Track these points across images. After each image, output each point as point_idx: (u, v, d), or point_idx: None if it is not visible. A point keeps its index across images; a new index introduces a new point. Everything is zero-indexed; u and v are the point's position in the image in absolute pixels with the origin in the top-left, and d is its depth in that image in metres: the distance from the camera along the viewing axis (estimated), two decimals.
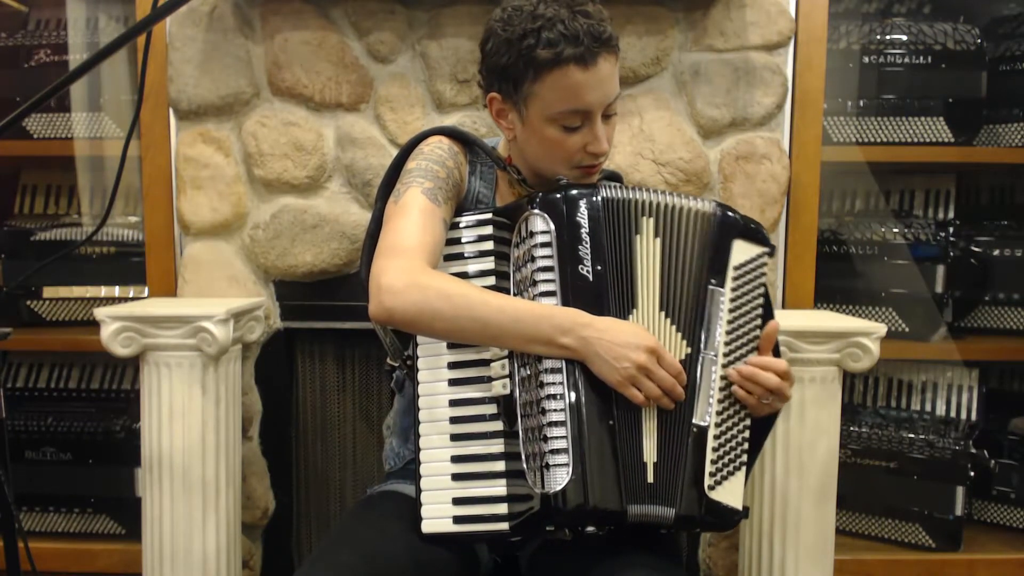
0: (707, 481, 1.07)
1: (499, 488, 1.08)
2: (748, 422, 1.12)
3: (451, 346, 1.12)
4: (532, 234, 1.09)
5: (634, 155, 1.77)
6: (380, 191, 1.24)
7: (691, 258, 1.12)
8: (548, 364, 1.05)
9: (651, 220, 1.12)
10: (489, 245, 1.13)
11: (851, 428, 1.96)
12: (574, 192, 1.11)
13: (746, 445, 1.11)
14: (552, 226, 1.09)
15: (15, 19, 2.10)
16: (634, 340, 1.04)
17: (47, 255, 1.98)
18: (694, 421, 1.08)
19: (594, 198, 1.11)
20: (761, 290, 1.15)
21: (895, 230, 1.97)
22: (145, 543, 1.61)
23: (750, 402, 1.10)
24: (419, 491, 1.10)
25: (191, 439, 1.57)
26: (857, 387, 2.09)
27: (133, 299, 1.99)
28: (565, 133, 1.15)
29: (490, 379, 1.10)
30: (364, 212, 1.77)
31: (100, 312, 1.55)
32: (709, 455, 1.08)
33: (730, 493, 1.08)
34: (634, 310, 1.09)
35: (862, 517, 1.97)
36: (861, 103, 1.95)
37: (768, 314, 1.16)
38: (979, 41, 1.92)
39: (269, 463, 1.87)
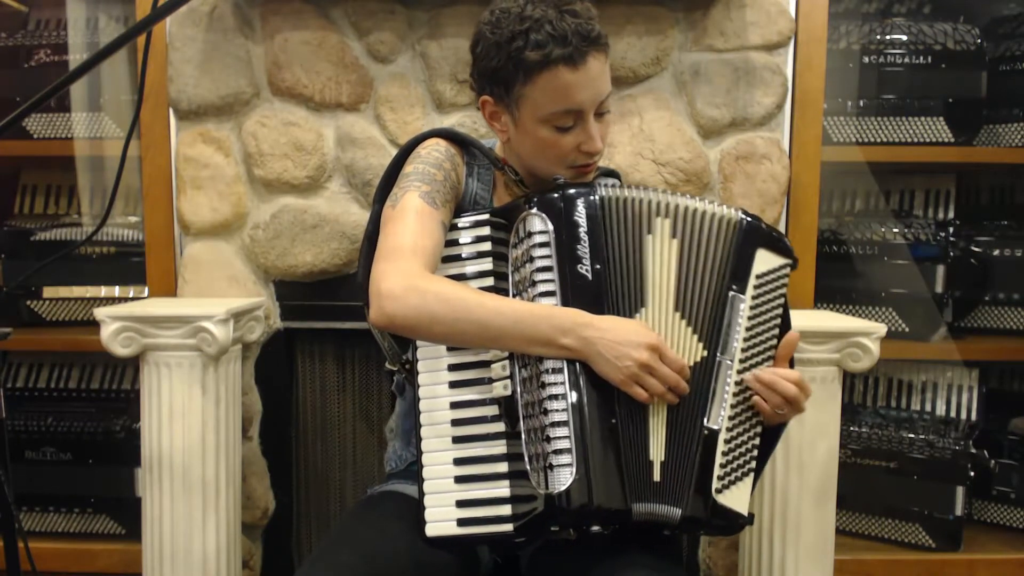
0: (715, 484, 1.06)
1: (502, 489, 1.08)
2: (759, 429, 1.11)
3: (451, 348, 1.12)
4: (530, 234, 1.09)
5: (634, 155, 1.77)
6: (377, 194, 1.24)
7: (713, 262, 1.11)
8: (549, 364, 1.05)
9: (667, 221, 1.11)
10: (487, 246, 1.13)
11: (851, 428, 1.96)
12: (571, 191, 1.10)
13: (755, 452, 1.11)
14: (550, 226, 1.08)
15: (15, 19, 2.10)
16: (635, 338, 1.04)
17: (47, 255, 1.98)
18: (706, 424, 1.07)
19: (592, 197, 1.10)
20: (781, 301, 1.15)
21: (895, 230, 1.97)
22: (145, 543, 1.61)
23: (765, 410, 1.09)
24: (422, 494, 1.10)
25: (191, 439, 1.57)
26: (857, 387, 2.09)
27: (133, 299, 1.99)
28: (558, 133, 1.15)
29: (491, 380, 1.10)
30: (364, 212, 1.77)
31: (100, 312, 1.55)
32: (719, 459, 1.07)
33: (737, 498, 1.08)
34: (643, 308, 1.09)
35: (862, 517, 1.97)
36: (861, 103, 1.95)
37: (786, 325, 1.16)
38: (979, 41, 1.92)
39: (269, 463, 1.87)
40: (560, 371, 1.04)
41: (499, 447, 1.09)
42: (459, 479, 1.09)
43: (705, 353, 1.10)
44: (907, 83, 1.93)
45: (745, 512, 1.09)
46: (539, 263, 1.08)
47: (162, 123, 1.84)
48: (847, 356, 1.55)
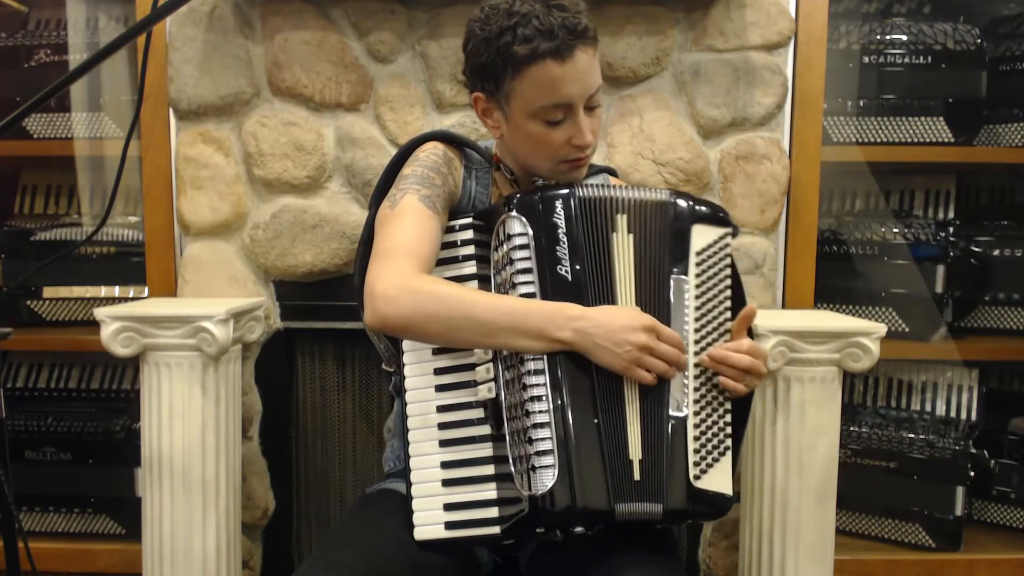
0: (692, 471, 1.07)
1: (489, 492, 1.08)
2: (728, 406, 1.12)
3: (437, 351, 1.12)
4: (509, 236, 1.09)
5: (634, 155, 1.77)
6: (373, 198, 1.24)
7: (658, 250, 1.12)
8: (531, 366, 1.05)
9: (624, 217, 1.12)
10: (471, 249, 1.14)
11: (851, 428, 1.96)
12: (550, 193, 1.11)
13: (728, 430, 1.11)
14: (529, 228, 1.09)
15: (15, 19, 2.10)
16: (630, 322, 1.04)
17: (47, 255, 1.98)
18: (671, 413, 1.08)
19: (571, 198, 1.11)
20: (727, 272, 1.15)
21: (895, 230, 1.97)
22: (145, 543, 1.61)
23: (728, 386, 1.10)
24: (410, 498, 1.10)
25: (191, 439, 1.57)
26: (857, 387, 2.09)
27: (133, 299, 1.99)
28: (548, 127, 1.15)
29: (476, 383, 1.10)
30: (364, 212, 1.77)
31: (100, 312, 1.55)
32: (691, 444, 1.08)
33: (717, 480, 1.08)
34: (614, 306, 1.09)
35: (862, 517, 1.97)
36: (861, 103, 1.95)
37: (738, 295, 1.16)
38: (979, 41, 1.92)
39: (269, 463, 1.87)
40: (541, 372, 1.04)
41: (485, 450, 1.09)
42: (446, 482, 1.10)
43: None
44: (907, 83, 1.93)
45: (729, 491, 1.09)
46: (519, 265, 1.08)
47: (162, 123, 1.84)
48: (847, 356, 1.55)
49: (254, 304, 1.74)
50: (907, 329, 1.96)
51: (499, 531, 1.07)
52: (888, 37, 1.94)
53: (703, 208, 1.15)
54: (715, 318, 1.13)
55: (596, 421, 1.04)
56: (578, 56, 1.11)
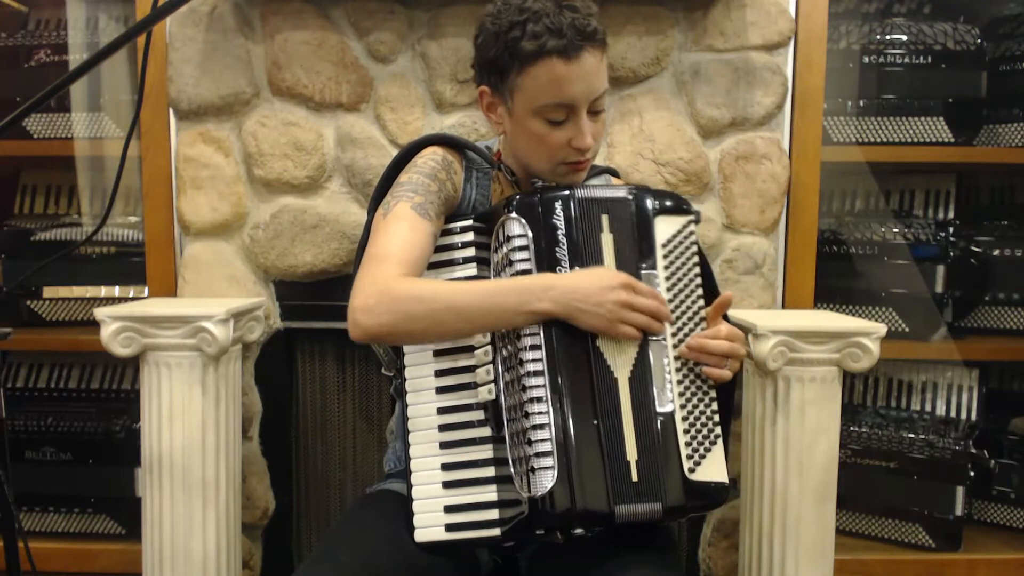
0: (686, 465, 1.07)
1: (490, 494, 1.09)
2: (713, 394, 1.12)
3: (437, 354, 1.13)
4: (509, 238, 1.09)
5: (634, 155, 1.77)
6: (371, 204, 1.25)
7: (629, 247, 1.13)
8: (530, 367, 1.05)
9: (606, 216, 1.13)
10: (471, 252, 1.14)
11: (851, 428, 1.96)
12: (550, 195, 1.11)
13: (716, 418, 1.11)
14: (528, 230, 1.09)
15: (15, 19, 2.10)
16: (607, 282, 1.05)
17: (47, 255, 1.98)
18: (658, 409, 1.08)
19: (570, 200, 1.11)
20: (695, 259, 1.15)
21: (895, 230, 1.97)
22: (145, 543, 1.61)
23: (711, 374, 1.10)
24: (411, 500, 1.11)
25: (191, 439, 1.57)
26: (857, 387, 2.09)
27: (133, 299, 1.99)
28: (550, 127, 1.15)
29: (476, 385, 1.10)
30: (364, 212, 1.77)
31: (100, 312, 1.55)
32: (682, 438, 1.08)
33: (712, 470, 1.08)
34: None
35: (862, 517, 1.97)
36: (861, 103, 1.95)
37: (708, 280, 1.16)
38: (979, 41, 1.92)
39: (269, 463, 1.87)
40: (540, 374, 1.04)
41: (485, 452, 1.09)
42: (447, 484, 1.10)
43: (640, 340, 1.09)
44: (907, 83, 1.93)
45: (724, 479, 1.09)
46: (519, 266, 1.08)
47: (162, 123, 1.84)
48: (847, 356, 1.55)
49: (254, 304, 1.74)
50: (907, 329, 1.96)
51: (499, 533, 1.07)
52: (888, 37, 1.94)
53: (662, 201, 1.16)
54: (689, 307, 1.13)
55: (596, 423, 1.04)
56: (585, 57, 1.11)
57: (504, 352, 1.08)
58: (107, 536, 1.95)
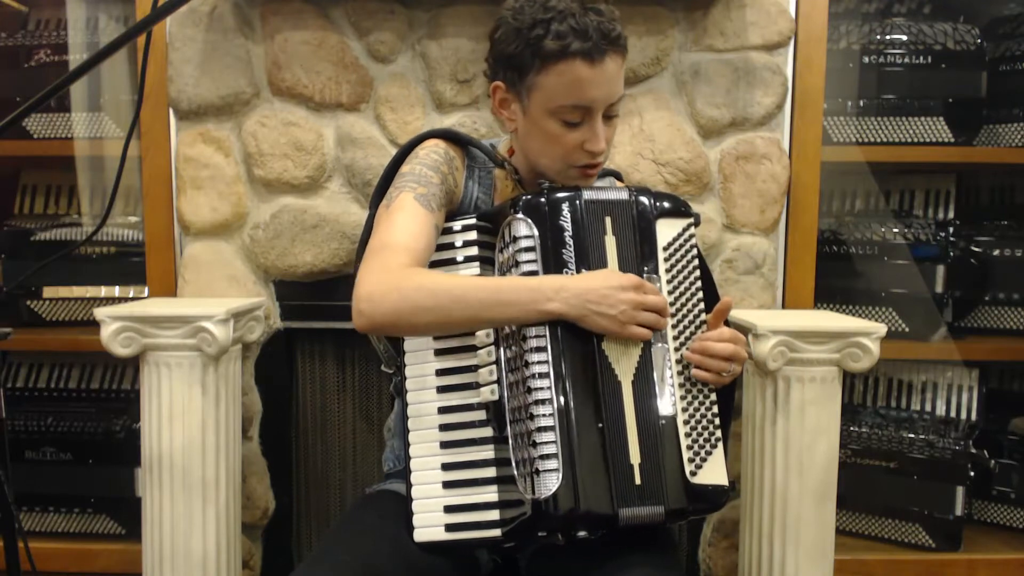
0: (687, 468, 1.07)
1: (490, 494, 1.08)
2: (713, 397, 1.12)
3: (438, 353, 1.12)
4: (515, 239, 1.09)
5: (634, 155, 1.77)
6: (373, 197, 1.25)
7: (631, 250, 1.12)
8: (536, 369, 1.04)
9: (610, 219, 1.12)
10: (475, 251, 1.14)
11: (851, 428, 1.96)
12: (557, 196, 1.10)
13: (717, 421, 1.11)
14: (535, 231, 1.09)
15: (15, 19, 2.10)
16: (615, 282, 1.05)
17: (47, 255, 1.98)
18: (661, 413, 1.07)
19: (576, 201, 1.10)
20: (695, 262, 1.15)
21: (895, 230, 1.97)
22: (145, 543, 1.61)
23: (710, 378, 1.10)
24: (410, 499, 1.10)
25: (191, 439, 1.57)
26: (857, 387, 2.09)
27: (133, 299, 1.99)
28: (565, 128, 1.15)
29: (478, 385, 1.10)
30: (364, 212, 1.77)
31: (100, 312, 1.55)
32: (684, 441, 1.08)
33: (712, 473, 1.08)
34: None
35: (862, 517, 1.97)
36: (861, 103, 1.95)
37: (708, 283, 1.16)
38: (979, 41, 1.92)
39: (269, 463, 1.87)
40: (546, 376, 1.04)
41: (487, 452, 1.09)
42: (447, 484, 1.10)
43: (643, 344, 1.09)
44: (907, 83, 1.93)
45: (725, 482, 1.09)
46: (525, 267, 1.08)
47: (162, 123, 1.84)
48: (847, 356, 1.55)
49: (254, 304, 1.74)
50: (907, 329, 1.96)
51: (500, 534, 1.07)
52: (888, 37, 1.94)
53: (663, 203, 1.15)
54: (690, 311, 1.13)
55: (600, 426, 1.04)
56: (608, 62, 1.11)
57: (508, 353, 1.08)
58: (107, 536, 1.95)
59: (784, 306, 1.86)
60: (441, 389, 1.12)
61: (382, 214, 1.14)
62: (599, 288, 1.04)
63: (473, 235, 1.14)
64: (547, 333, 1.05)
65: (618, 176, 1.42)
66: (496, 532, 1.08)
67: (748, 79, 1.77)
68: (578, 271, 1.08)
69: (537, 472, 1.02)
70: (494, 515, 1.08)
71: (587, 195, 1.11)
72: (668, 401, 1.08)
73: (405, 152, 1.24)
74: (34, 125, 2.01)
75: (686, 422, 1.09)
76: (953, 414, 2.01)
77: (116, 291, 2.02)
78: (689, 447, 1.08)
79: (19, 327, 1.87)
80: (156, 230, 1.86)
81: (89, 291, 2.02)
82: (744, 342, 1.14)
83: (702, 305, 1.14)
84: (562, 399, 1.03)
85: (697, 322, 1.13)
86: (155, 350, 1.57)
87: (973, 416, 2.00)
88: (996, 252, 2.00)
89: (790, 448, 1.56)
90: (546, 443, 1.02)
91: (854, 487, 1.91)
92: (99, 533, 1.95)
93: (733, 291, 1.79)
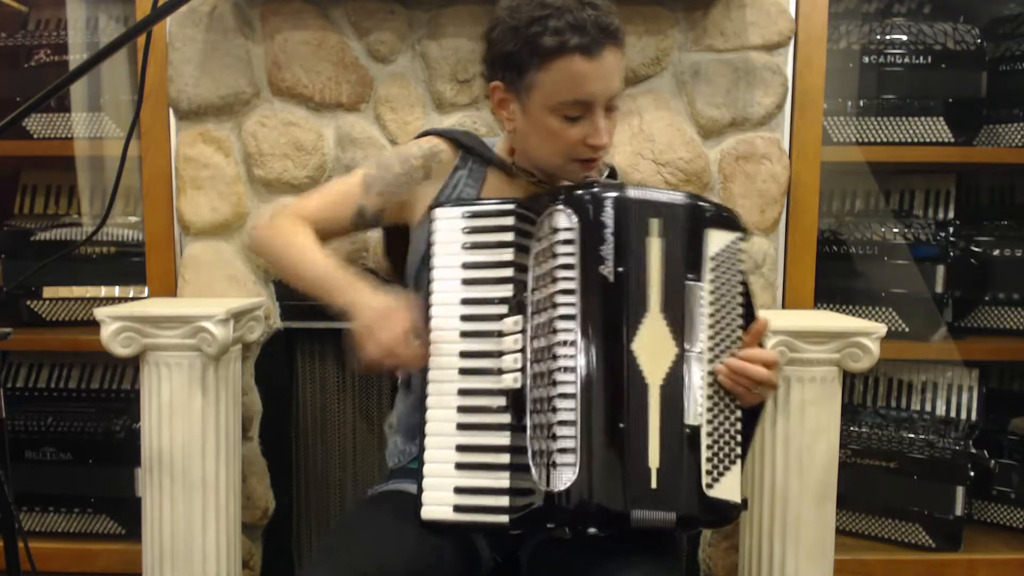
0: (704, 480, 1.06)
1: (502, 480, 1.08)
2: (739, 414, 1.11)
3: (464, 335, 1.12)
4: (555, 230, 1.08)
5: (634, 155, 1.77)
6: None
7: (679, 255, 1.10)
8: (563, 363, 1.04)
9: (657, 220, 1.09)
10: (509, 236, 1.13)
11: (851, 428, 1.96)
12: (600, 191, 1.09)
13: (739, 438, 1.10)
14: (576, 224, 1.07)
15: (15, 19, 2.10)
16: (372, 302, 1.11)
17: (47, 255, 1.98)
18: (686, 422, 1.07)
19: (622, 199, 1.08)
20: (740, 277, 1.13)
21: (895, 230, 1.97)
22: (145, 543, 1.61)
23: (740, 394, 1.09)
24: (421, 476, 1.10)
25: (191, 439, 1.57)
26: (857, 387, 2.09)
27: (133, 299, 1.99)
28: (566, 124, 1.15)
29: (501, 371, 1.10)
30: None
31: (100, 312, 1.55)
32: (704, 453, 1.07)
33: (727, 488, 1.08)
34: (647, 314, 1.07)
35: (862, 517, 1.97)
36: (861, 103, 1.95)
37: (749, 300, 1.14)
38: (979, 41, 1.92)
39: (269, 463, 1.87)
40: (572, 370, 1.04)
41: (503, 438, 1.09)
42: (460, 466, 1.10)
43: (677, 350, 1.08)
44: (907, 83, 1.93)
45: (738, 499, 1.08)
46: (562, 260, 1.07)
47: (162, 123, 1.84)
48: (847, 356, 1.55)
49: (254, 304, 1.74)
50: (907, 329, 1.96)
51: (507, 520, 1.07)
52: (888, 37, 1.94)
53: (717, 211, 1.13)
54: (728, 324, 1.11)
55: (622, 426, 1.03)
56: (606, 56, 1.11)
57: (536, 344, 1.08)
58: (107, 536, 1.95)
59: (784, 306, 1.86)
60: (464, 371, 1.12)
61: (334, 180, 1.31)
62: (377, 315, 1.09)
63: (510, 220, 1.13)
64: (578, 329, 1.05)
65: (613, 171, 1.42)
66: (503, 518, 1.07)
67: (748, 79, 1.77)
68: (616, 269, 1.06)
69: (554, 464, 1.02)
70: (503, 501, 1.07)
71: (633, 193, 1.09)
72: (696, 411, 1.07)
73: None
74: (34, 125, 2.01)
75: (710, 434, 1.08)
76: (953, 414, 2.01)
77: (116, 291, 2.02)
78: (709, 459, 1.07)
79: (19, 327, 1.87)
80: (156, 230, 1.86)
81: (89, 291, 2.02)
82: (780, 369, 1.13)
83: (741, 321, 1.12)
84: (586, 396, 1.03)
85: (734, 336, 1.11)
86: (155, 350, 1.57)
87: (973, 416, 2.00)
88: (996, 252, 2.00)
89: (790, 448, 1.56)
90: (566, 437, 1.02)
91: (854, 487, 1.91)
92: (99, 533, 1.95)
93: None
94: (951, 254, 1.95)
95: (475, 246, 1.14)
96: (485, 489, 1.08)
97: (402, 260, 1.34)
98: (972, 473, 1.88)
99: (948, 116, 1.92)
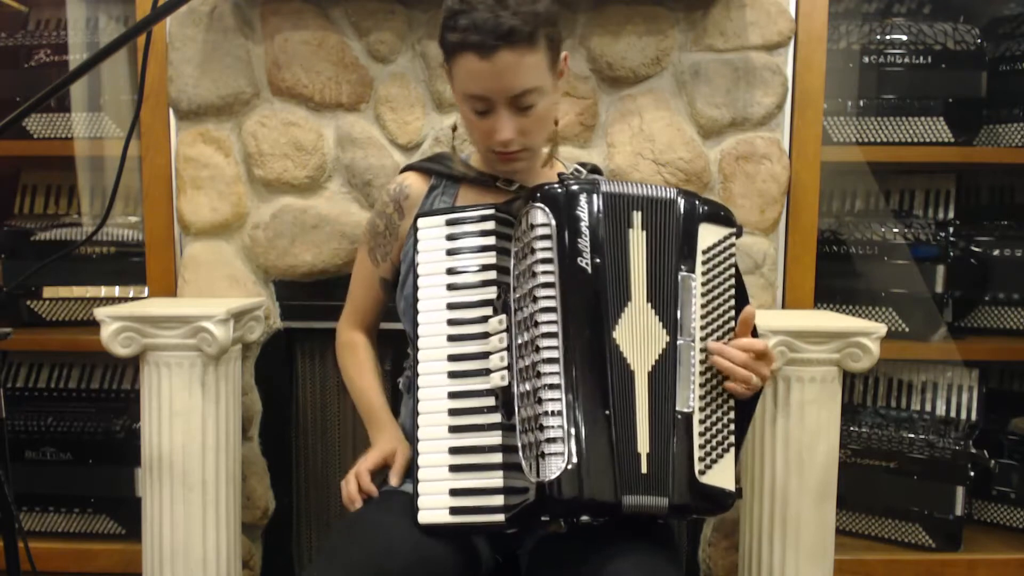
0: (697, 467, 1.07)
1: (496, 480, 1.09)
2: (732, 403, 1.13)
3: (451, 339, 1.14)
4: (532, 227, 1.10)
5: (634, 155, 1.77)
6: None
7: (668, 247, 1.13)
8: (546, 355, 1.05)
9: (639, 213, 1.13)
10: (491, 240, 1.15)
11: (851, 428, 1.96)
12: (575, 187, 1.12)
13: (732, 426, 1.12)
14: (552, 219, 1.09)
15: (15, 19, 2.10)
16: (374, 450, 1.26)
17: (47, 255, 1.98)
18: (677, 408, 1.08)
19: (594, 193, 1.12)
20: (732, 271, 1.16)
21: (895, 230, 1.97)
22: (145, 543, 1.61)
23: (733, 387, 1.11)
24: (416, 481, 1.11)
25: (191, 439, 1.57)
26: (857, 387, 2.09)
27: (133, 299, 1.99)
28: (476, 116, 1.20)
29: (488, 371, 1.11)
30: (364, 212, 1.77)
31: (100, 312, 1.55)
32: (696, 440, 1.08)
33: (721, 476, 1.09)
34: (628, 303, 1.10)
35: (862, 517, 1.97)
36: (861, 103, 1.95)
37: (741, 295, 1.17)
38: (979, 41, 1.92)
39: (269, 463, 1.87)
40: (556, 361, 1.05)
41: (494, 438, 1.10)
42: (453, 468, 1.11)
43: (668, 339, 1.10)
44: (907, 83, 1.93)
45: (732, 487, 1.10)
46: (540, 255, 1.09)
47: (162, 123, 1.84)
48: (847, 356, 1.55)
49: (254, 304, 1.74)
50: (907, 329, 1.96)
51: (503, 519, 1.08)
52: (888, 37, 1.94)
53: (710, 207, 1.16)
54: (720, 316, 1.14)
55: (607, 413, 1.05)
56: (501, 56, 1.12)
57: (520, 340, 1.09)
58: (107, 536, 1.95)
59: (784, 306, 1.86)
60: (452, 374, 1.13)
61: (357, 254, 1.41)
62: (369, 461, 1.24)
63: (490, 224, 1.16)
64: (559, 320, 1.06)
65: (596, 170, 1.43)
66: (500, 517, 1.08)
67: (748, 79, 1.77)
68: (592, 261, 1.09)
69: (543, 455, 1.03)
70: (499, 500, 1.08)
71: (606, 188, 1.13)
72: (688, 398, 1.09)
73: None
74: (34, 125, 2.01)
75: (702, 422, 1.09)
76: (953, 414, 2.01)
77: (116, 291, 2.02)
78: (702, 446, 1.09)
79: (19, 327, 1.88)
80: (156, 230, 1.86)
81: (89, 291, 2.02)
82: (772, 359, 1.15)
83: (733, 313, 1.15)
84: (570, 385, 1.04)
85: (726, 328, 1.14)
86: (155, 350, 1.57)
87: (973, 416, 2.00)
88: (996, 252, 2.00)
89: (790, 448, 1.56)
90: (553, 427, 1.03)
91: (854, 487, 1.91)
92: (99, 533, 1.95)
93: None
94: (951, 254, 1.95)
95: (458, 251, 1.17)
96: (480, 490, 1.09)
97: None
98: (972, 473, 1.88)
99: (948, 116, 1.92)
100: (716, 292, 1.14)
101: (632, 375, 1.07)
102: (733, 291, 1.16)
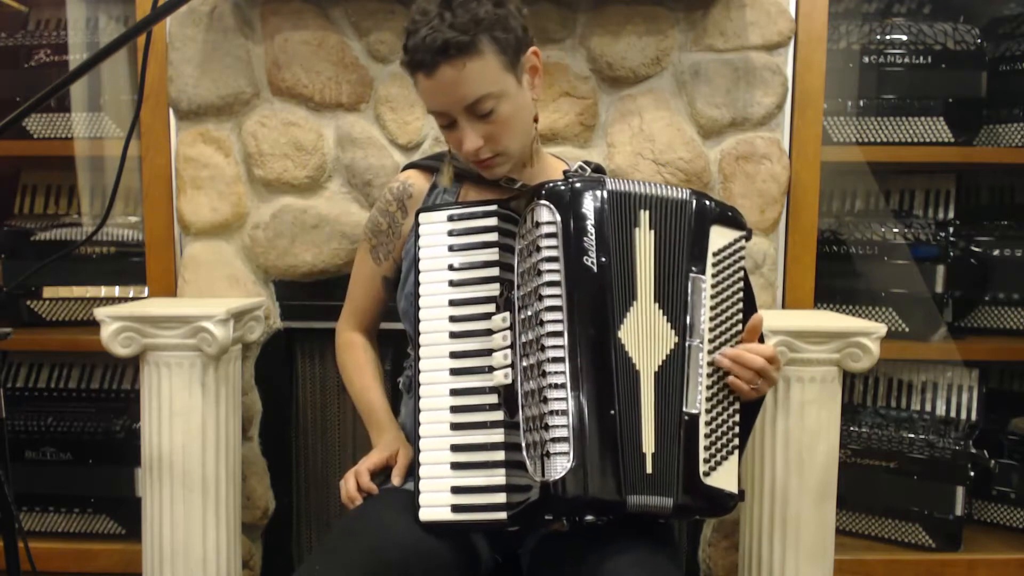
0: (702, 468, 1.07)
1: (498, 478, 1.09)
2: (737, 406, 1.13)
3: (453, 336, 1.14)
4: (538, 224, 1.09)
5: (634, 155, 1.77)
6: None
7: (677, 247, 1.12)
8: (551, 354, 1.05)
9: (647, 212, 1.12)
10: (493, 236, 1.15)
11: (851, 428, 1.96)
12: (579, 184, 1.11)
13: (737, 429, 1.12)
14: (557, 216, 1.09)
15: (15, 19, 2.10)
16: (376, 450, 1.28)
17: (47, 255, 1.98)
18: (684, 409, 1.08)
19: (599, 191, 1.11)
20: (740, 274, 1.16)
21: (895, 230, 1.97)
22: (145, 543, 1.62)
23: (739, 387, 1.11)
24: (418, 479, 1.11)
25: (191, 439, 1.57)
26: (857, 387, 2.09)
27: (133, 299, 1.99)
28: (443, 129, 1.23)
29: (491, 369, 1.11)
30: (364, 212, 1.77)
31: (100, 312, 1.55)
32: (702, 442, 1.08)
33: (725, 478, 1.09)
34: (634, 302, 1.09)
35: (862, 517, 1.97)
36: (861, 103, 1.95)
37: (749, 297, 1.17)
38: (979, 41, 1.92)
39: (269, 463, 1.87)
40: (561, 360, 1.05)
41: (497, 436, 1.10)
42: (455, 465, 1.10)
43: (676, 339, 1.10)
44: (907, 83, 1.93)
45: (735, 489, 1.10)
46: (545, 252, 1.08)
47: (162, 123, 1.84)
48: (847, 356, 1.55)
49: (254, 304, 1.74)
50: (907, 329, 1.96)
51: (505, 517, 1.08)
52: (888, 37, 1.94)
53: (721, 209, 1.16)
54: (728, 319, 1.14)
55: (613, 412, 1.05)
56: (443, 71, 1.13)
57: (524, 338, 1.09)
58: (107, 536, 1.95)
59: (784, 306, 1.86)
60: (454, 371, 1.13)
61: (356, 254, 1.40)
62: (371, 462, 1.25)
63: (494, 220, 1.16)
64: (564, 319, 1.06)
65: (601, 171, 1.42)
66: (502, 515, 1.08)
67: (748, 79, 1.77)
68: (598, 259, 1.08)
69: (548, 455, 1.02)
70: (501, 498, 1.08)
71: (612, 185, 1.12)
72: (695, 399, 1.09)
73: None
74: (34, 125, 2.01)
75: (708, 423, 1.09)
76: (953, 414, 2.01)
77: (116, 291, 2.03)
78: (707, 448, 1.09)
79: (19, 327, 1.88)
80: (156, 230, 1.86)
81: (89, 291, 2.02)
82: (780, 365, 1.15)
83: (741, 316, 1.15)
84: (575, 384, 1.04)
85: (733, 331, 1.14)
86: (155, 350, 1.57)
87: (973, 416, 2.00)
88: (996, 252, 2.00)
89: (790, 448, 1.56)
90: (558, 426, 1.03)
91: (854, 487, 1.91)
92: (99, 533, 1.95)
93: None
94: (951, 254, 1.95)
95: (460, 248, 1.17)
96: (482, 487, 1.09)
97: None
98: (972, 473, 1.88)
99: (948, 116, 1.92)
100: (725, 295, 1.14)
101: (638, 375, 1.07)
102: (741, 295, 1.15)
